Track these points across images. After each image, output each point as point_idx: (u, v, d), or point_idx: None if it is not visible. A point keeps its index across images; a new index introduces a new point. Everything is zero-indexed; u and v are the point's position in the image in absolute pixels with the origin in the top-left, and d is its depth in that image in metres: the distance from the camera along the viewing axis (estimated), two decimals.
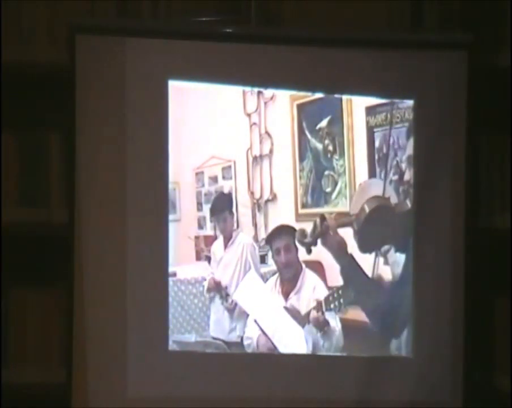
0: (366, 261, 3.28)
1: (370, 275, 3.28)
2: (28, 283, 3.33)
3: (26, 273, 3.36)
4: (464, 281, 3.27)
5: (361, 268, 3.28)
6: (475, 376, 3.31)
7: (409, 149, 3.30)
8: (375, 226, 3.26)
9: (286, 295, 3.32)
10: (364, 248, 3.27)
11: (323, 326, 3.28)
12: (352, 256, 3.27)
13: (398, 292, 3.29)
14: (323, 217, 3.26)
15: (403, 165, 3.30)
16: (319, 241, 3.26)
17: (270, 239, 3.31)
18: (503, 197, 3.33)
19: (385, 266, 3.29)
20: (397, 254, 3.29)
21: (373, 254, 3.28)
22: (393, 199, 3.30)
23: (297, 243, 3.28)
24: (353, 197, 3.30)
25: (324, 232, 3.25)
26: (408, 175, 3.29)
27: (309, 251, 3.27)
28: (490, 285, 3.38)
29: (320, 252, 3.29)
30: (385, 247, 3.29)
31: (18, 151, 3.29)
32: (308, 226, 3.26)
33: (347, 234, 3.27)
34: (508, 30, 3.29)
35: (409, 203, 3.29)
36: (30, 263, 3.38)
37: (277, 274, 3.33)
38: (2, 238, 3.28)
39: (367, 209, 3.27)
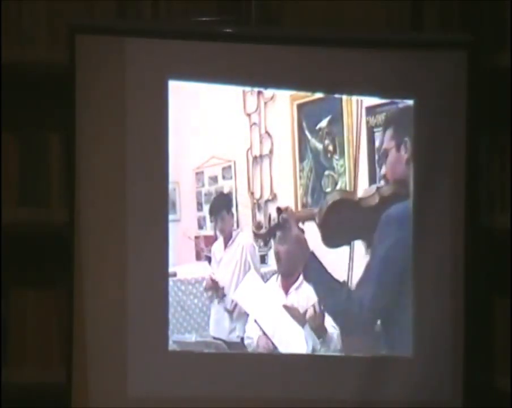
0: (333, 261, 3.26)
1: (335, 275, 3.26)
2: (28, 283, 3.33)
3: (26, 273, 3.36)
4: (464, 281, 3.28)
5: (323, 267, 3.25)
6: (475, 376, 3.31)
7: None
8: (338, 220, 3.24)
9: (286, 289, 3.32)
10: (329, 242, 3.24)
11: (321, 332, 3.27)
12: (313, 254, 3.25)
13: (362, 292, 3.25)
14: (279, 209, 3.25)
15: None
16: (277, 234, 3.25)
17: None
18: (503, 197, 3.33)
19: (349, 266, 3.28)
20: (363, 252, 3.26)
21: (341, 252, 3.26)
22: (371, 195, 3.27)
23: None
24: None
25: (282, 225, 3.24)
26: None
27: (266, 243, 3.26)
28: (490, 285, 3.38)
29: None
30: (353, 243, 3.27)
31: (18, 151, 3.29)
32: (264, 219, 3.26)
33: (311, 229, 3.25)
34: (508, 30, 3.29)
35: (376, 198, 3.27)
36: (30, 263, 3.38)
37: (277, 273, 3.33)
38: (2, 238, 3.28)
39: (329, 202, 3.25)
